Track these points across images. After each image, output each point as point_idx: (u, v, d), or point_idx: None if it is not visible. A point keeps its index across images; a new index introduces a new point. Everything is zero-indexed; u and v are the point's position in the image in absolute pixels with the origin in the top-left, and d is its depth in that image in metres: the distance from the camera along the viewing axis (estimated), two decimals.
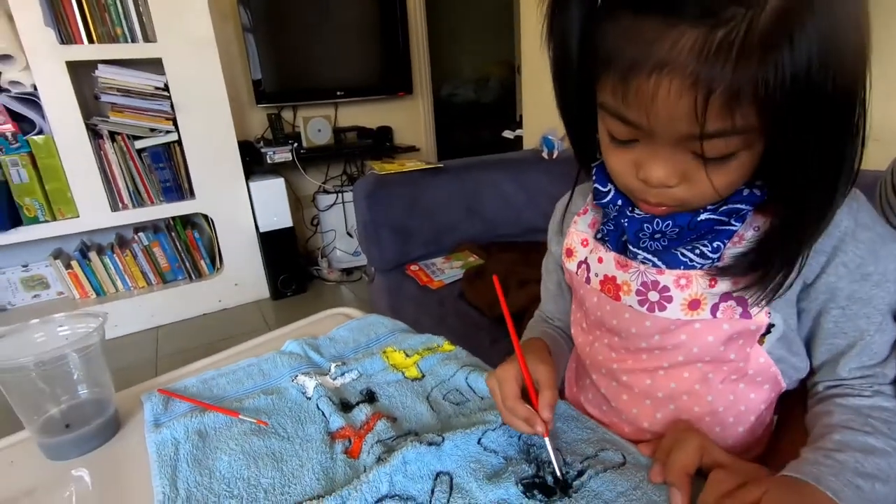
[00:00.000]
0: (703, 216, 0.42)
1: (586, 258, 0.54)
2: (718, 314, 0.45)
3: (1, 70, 1.72)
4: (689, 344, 0.47)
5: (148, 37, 1.89)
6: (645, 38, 0.33)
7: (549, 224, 0.63)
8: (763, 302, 0.42)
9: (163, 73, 1.93)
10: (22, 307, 2.06)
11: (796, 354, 0.47)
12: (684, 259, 0.45)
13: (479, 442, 0.49)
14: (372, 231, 1.51)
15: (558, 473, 0.44)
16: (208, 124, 2.05)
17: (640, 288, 0.48)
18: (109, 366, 0.56)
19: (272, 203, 2.20)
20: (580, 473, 0.45)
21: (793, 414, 0.50)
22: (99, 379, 0.55)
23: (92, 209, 1.93)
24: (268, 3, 2.22)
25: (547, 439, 0.45)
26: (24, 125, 1.83)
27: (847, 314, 0.43)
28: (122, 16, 1.85)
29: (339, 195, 2.50)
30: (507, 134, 2.14)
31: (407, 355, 0.66)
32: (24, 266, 2.03)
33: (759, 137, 0.35)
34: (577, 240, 0.56)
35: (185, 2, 1.90)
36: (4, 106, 1.76)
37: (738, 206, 0.42)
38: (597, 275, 0.52)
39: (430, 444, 0.47)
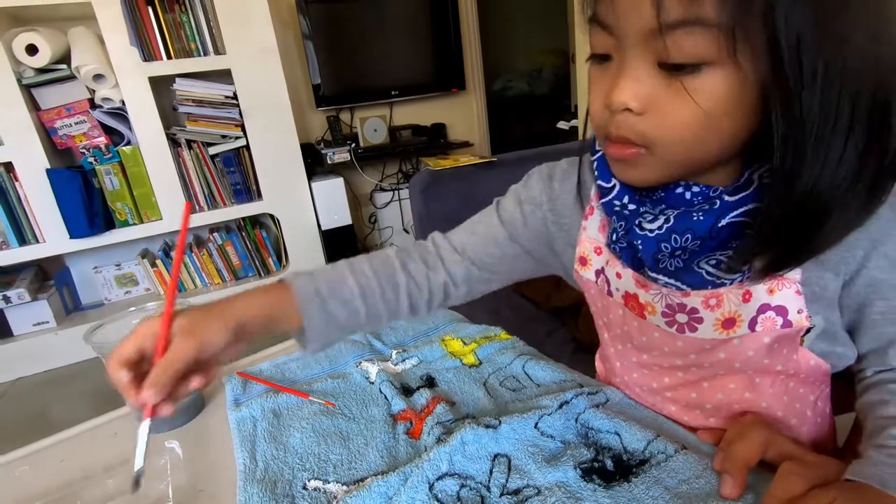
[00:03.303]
0: (724, 221, 0.37)
1: (604, 269, 0.48)
2: (758, 328, 0.40)
3: (95, 88, 1.90)
4: (729, 360, 0.43)
5: (218, 49, 2.03)
6: None
7: (529, 181, 0.55)
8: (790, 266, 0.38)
9: (231, 83, 2.06)
10: (116, 302, 2.28)
11: (841, 345, 0.43)
12: (710, 278, 0.40)
13: (535, 426, 0.49)
14: (428, 226, 1.54)
15: (136, 467, 0.37)
16: (273, 129, 2.17)
17: (666, 310, 0.43)
18: None
19: (333, 202, 2.30)
20: (642, 462, 0.44)
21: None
22: None
23: (173, 212, 2.10)
24: (325, 11, 2.31)
25: (142, 424, 0.38)
26: (115, 137, 2.02)
27: (893, 304, 0.39)
28: (195, 31, 1.99)
29: (396, 193, 2.56)
30: (562, 124, 2.11)
31: (465, 343, 0.68)
32: (117, 265, 2.24)
33: (730, 55, 0.30)
34: (589, 248, 0.50)
35: (250, 14, 2.02)
36: (99, 121, 1.95)
37: (758, 204, 0.37)
38: (618, 289, 0.47)
39: (487, 426, 0.48)
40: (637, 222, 0.41)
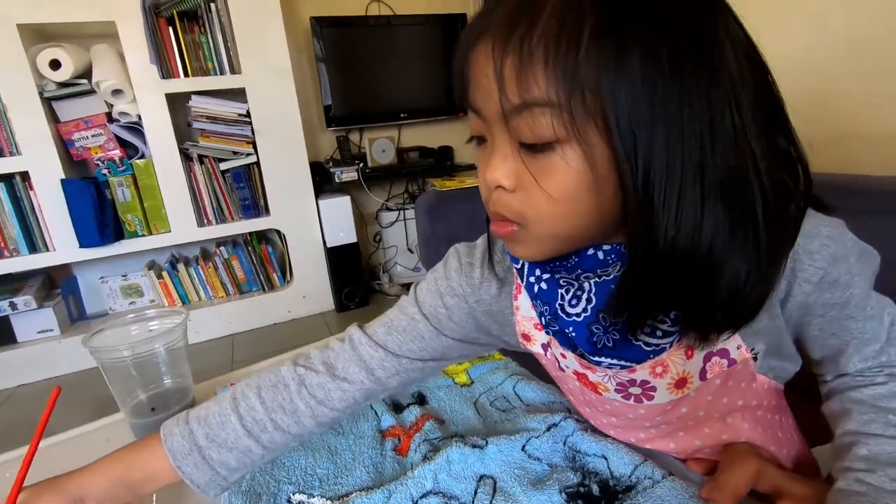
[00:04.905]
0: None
1: (549, 345, 0.47)
2: (708, 376, 0.41)
3: (113, 103, 1.96)
4: (693, 411, 0.44)
5: (234, 69, 2.08)
6: (479, 16, 0.34)
7: (448, 269, 0.49)
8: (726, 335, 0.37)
9: (245, 101, 2.12)
10: (120, 312, 2.29)
11: (786, 359, 0.43)
12: (650, 349, 0.39)
13: (523, 449, 0.49)
14: (433, 245, 1.55)
15: None
16: (283, 147, 2.21)
17: (618, 387, 0.43)
18: (192, 367, 0.62)
19: (339, 220, 2.32)
20: (628, 488, 0.44)
21: None
22: (180, 370, 0.62)
23: (182, 225, 2.13)
24: (338, 35, 2.38)
25: None
26: (129, 150, 2.07)
27: (828, 319, 0.39)
28: (213, 52, 2.06)
29: (401, 213, 2.58)
30: None
31: (458, 362, 0.68)
32: (123, 276, 2.27)
33: (575, 133, 0.31)
34: (529, 326, 0.47)
35: (266, 37, 2.09)
36: (115, 134, 2.01)
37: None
38: (567, 367, 0.46)
39: (473, 446, 0.48)
40: (559, 306, 0.40)
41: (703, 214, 0.31)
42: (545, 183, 0.33)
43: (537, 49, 0.30)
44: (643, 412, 0.44)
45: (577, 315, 0.39)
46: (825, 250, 0.37)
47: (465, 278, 0.48)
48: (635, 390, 0.42)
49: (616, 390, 0.43)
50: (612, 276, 0.37)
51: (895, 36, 1.08)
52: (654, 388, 0.41)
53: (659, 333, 0.38)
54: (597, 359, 0.41)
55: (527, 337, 0.48)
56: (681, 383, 0.41)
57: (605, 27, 0.29)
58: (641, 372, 0.40)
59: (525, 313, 0.46)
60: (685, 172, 0.30)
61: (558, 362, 0.46)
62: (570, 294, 0.39)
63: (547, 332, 0.44)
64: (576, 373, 0.45)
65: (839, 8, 1.16)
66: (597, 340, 0.39)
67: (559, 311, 0.40)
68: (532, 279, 0.42)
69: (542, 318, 0.43)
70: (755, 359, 0.41)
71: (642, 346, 0.39)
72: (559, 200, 0.33)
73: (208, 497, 0.46)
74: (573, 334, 0.40)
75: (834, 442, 0.40)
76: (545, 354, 0.47)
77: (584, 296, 0.38)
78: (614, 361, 0.40)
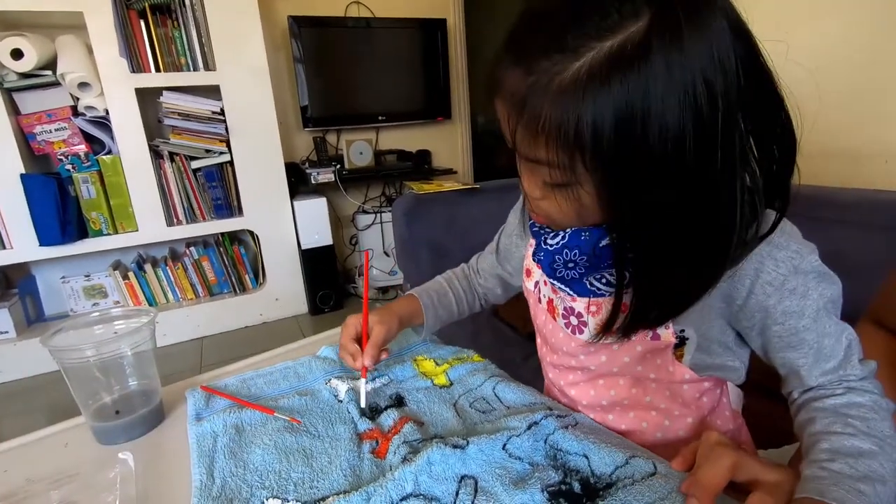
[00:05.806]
0: (604, 242, 0.45)
1: (539, 281, 0.60)
2: (632, 336, 0.49)
3: (79, 96, 1.89)
4: (609, 364, 0.53)
5: (208, 66, 2.04)
6: (501, 69, 0.40)
7: (510, 216, 0.71)
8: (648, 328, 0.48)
9: (220, 99, 2.07)
10: (82, 314, 2.19)
11: (721, 357, 0.51)
12: (592, 288, 0.51)
13: (504, 448, 0.49)
14: (409, 248, 1.54)
15: (363, 404, 0.58)
16: (258, 146, 2.17)
17: (564, 312, 0.55)
18: (159, 370, 0.60)
19: (314, 222, 2.29)
20: (609, 485, 0.44)
21: None
22: (147, 371, 0.59)
23: (150, 224, 2.06)
24: (317, 36, 2.36)
25: (363, 380, 0.60)
26: (95, 146, 2.00)
27: (787, 328, 0.45)
28: (186, 47, 2.01)
29: (378, 215, 2.56)
30: None
31: (437, 364, 0.67)
32: (86, 276, 2.18)
33: (584, 179, 0.39)
34: (532, 264, 0.61)
35: (243, 35, 2.05)
36: (80, 129, 1.93)
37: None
38: (544, 296, 0.59)
39: (454, 447, 0.48)
40: (543, 238, 0.50)
41: (670, 228, 0.39)
42: (557, 203, 0.43)
43: (543, 128, 0.37)
44: (573, 346, 0.55)
45: (551, 245, 0.49)
46: (790, 261, 0.44)
47: (519, 217, 0.67)
48: (574, 320, 0.54)
49: (563, 315, 0.55)
50: (586, 230, 0.47)
51: (854, 61, 1.15)
52: (585, 324, 0.53)
53: (604, 281, 0.49)
54: (552, 281, 0.54)
55: (528, 273, 0.62)
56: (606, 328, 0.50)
57: (588, 114, 0.35)
58: (580, 303, 0.52)
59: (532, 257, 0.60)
60: (651, 204, 0.38)
61: (539, 294, 0.59)
62: (553, 233, 0.50)
63: (534, 259, 0.54)
64: (548, 300, 0.57)
65: (802, 38, 1.25)
66: (556, 268, 0.50)
67: (542, 242, 0.51)
68: (535, 227, 0.53)
69: (535, 248, 0.53)
70: (679, 344, 0.49)
71: (587, 285, 0.50)
72: (570, 216, 0.45)
73: (421, 338, 0.73)
74: (542, 257, 0.50)
75: (802, 445, 0.44)
76: (533, 291, 0.61)
77: (560, 234, 0.48)
78: (563, 287, 0.53)
